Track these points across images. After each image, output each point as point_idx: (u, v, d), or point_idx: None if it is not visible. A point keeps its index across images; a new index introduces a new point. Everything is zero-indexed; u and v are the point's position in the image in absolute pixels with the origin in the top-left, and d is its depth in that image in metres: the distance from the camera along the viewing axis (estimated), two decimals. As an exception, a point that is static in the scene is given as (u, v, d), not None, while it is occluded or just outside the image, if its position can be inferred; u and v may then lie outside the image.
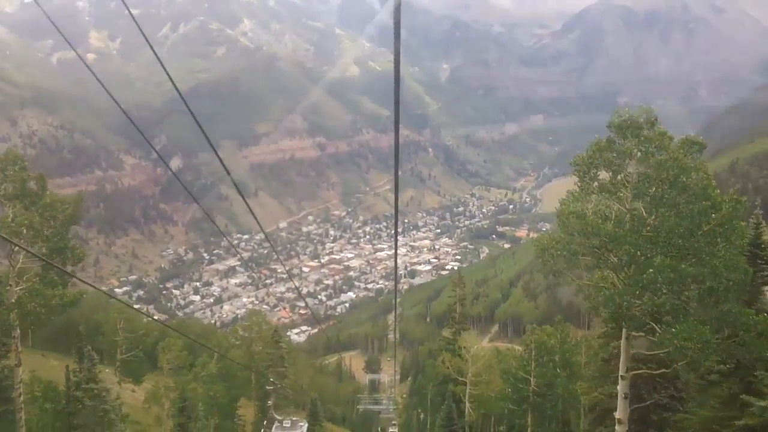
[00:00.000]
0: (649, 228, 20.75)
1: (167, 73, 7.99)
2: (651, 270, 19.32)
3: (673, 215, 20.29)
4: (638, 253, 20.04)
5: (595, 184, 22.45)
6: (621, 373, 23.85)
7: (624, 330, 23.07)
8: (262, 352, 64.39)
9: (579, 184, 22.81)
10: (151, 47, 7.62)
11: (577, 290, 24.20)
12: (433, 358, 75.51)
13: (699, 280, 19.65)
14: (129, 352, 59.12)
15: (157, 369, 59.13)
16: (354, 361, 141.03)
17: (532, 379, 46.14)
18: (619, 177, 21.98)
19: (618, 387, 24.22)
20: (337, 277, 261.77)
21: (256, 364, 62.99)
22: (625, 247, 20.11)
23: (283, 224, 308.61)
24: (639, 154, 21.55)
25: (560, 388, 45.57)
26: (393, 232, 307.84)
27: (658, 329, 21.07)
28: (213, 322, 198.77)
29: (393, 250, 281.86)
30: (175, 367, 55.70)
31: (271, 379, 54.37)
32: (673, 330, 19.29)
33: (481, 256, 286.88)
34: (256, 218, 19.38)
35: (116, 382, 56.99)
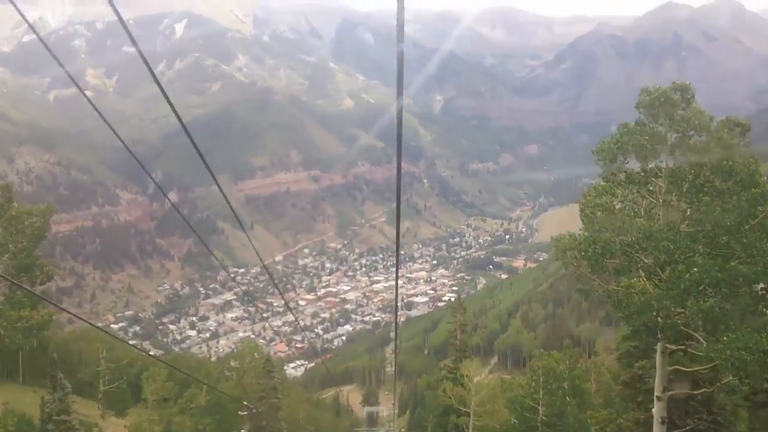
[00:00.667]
0: (688, 222, 18.41)
1: (170, 103, 7.96)
2: (695, 270, 16.94)
3: (718, 206, 17.73)
4: (677, 251, 17.64)
5: (622, 174, 19.95)
6: (657, 393, 21.16)
7: (659, 343, 20.44)
8: (254, 383, 61.34)
9: (603, 176, 20.39)
10: (156, 80, 7.55)
11: (603, 298, 20.81)
12: (433, 389, 72.99)
13: (752, 280, 17.20)
14: (112, 383, 55.81)
15: (141, 401, 56.43)
16: (351, 395, 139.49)
17: (540, 408, 44.18)
18: (651, 165, 19.42)
19: (653, 410, 21.47)
20: (333, 310, 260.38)
21: (248, 395, 59.37)
22: (663, 243, 17.67)
23: (278, 257, 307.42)
24: (674, 137, 18.91)
25: (571, 418, 43.60)
26: (389, 264, 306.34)
27: (701, 339, 18.60)
28: (209, 356, 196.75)
29: (390, 282, 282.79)
30: (159, 398, 53.36)
31: (246, 403, 49.46)
32: (725, 339, 16.63)
33: (478, 286, 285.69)
34: (255, 249, 19.54)
35: (99, 415, 54.37)
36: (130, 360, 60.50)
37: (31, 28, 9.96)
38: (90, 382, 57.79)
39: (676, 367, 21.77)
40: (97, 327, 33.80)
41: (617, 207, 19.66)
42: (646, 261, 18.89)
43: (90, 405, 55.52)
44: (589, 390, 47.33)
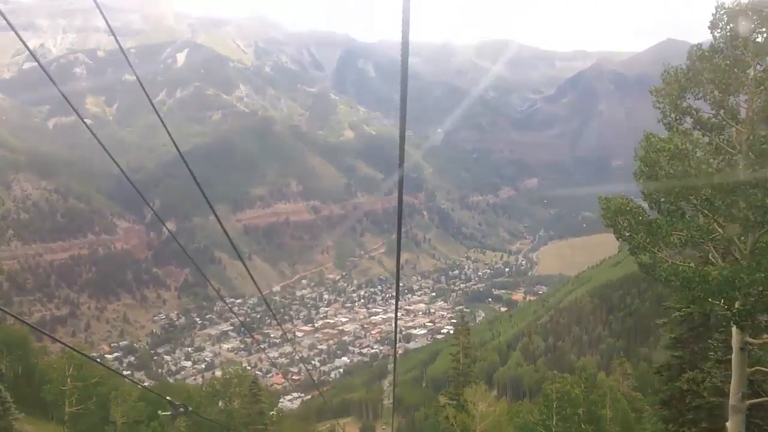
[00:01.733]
0: None
1: (169, 133, 8.65)
2: None
3: None
4: None
5: (688, 119, 15.63)
6: (733, 402, 16.60)
7: (737, 337, 15.91)
8: (241, 409, 57.75)
9: (664, 121, 16.14)
10: (155, 109, 8.07)
11: (667, 274, 15.66)
12: (433, 418, 69.60)
13: None
14: (79, 404, 50.95)
15: (109, 424, 51.05)
16: (348, 428, 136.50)
17: None
18: (730, 100, 14.83)
19: (728, 425, 16.81)
20: (331, 342, 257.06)
21: (234, 421, 55.92)
22: (752, 196, 13.49)
23: (276, 288, 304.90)
24: (758, 70, 14.37)
25: None
26: (388, 295, 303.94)
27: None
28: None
29: (389, 314, 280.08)
30: (130, 421, 48.75)
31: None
32: None
33: (477, 319, 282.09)
34: (254, 280, 17.85)
35: None
36: (101, 379, 55.18)
37: (32, 55, 10.77)
38: (55, 402, 53.15)
39: (758, 368, 17.55)
40: (86, 356, 32.22)
41: (697, 155, 15.07)
42: (729, 227, 14.73)
43: (55, 429, 52.78)
44: (605, 417, 44.16)
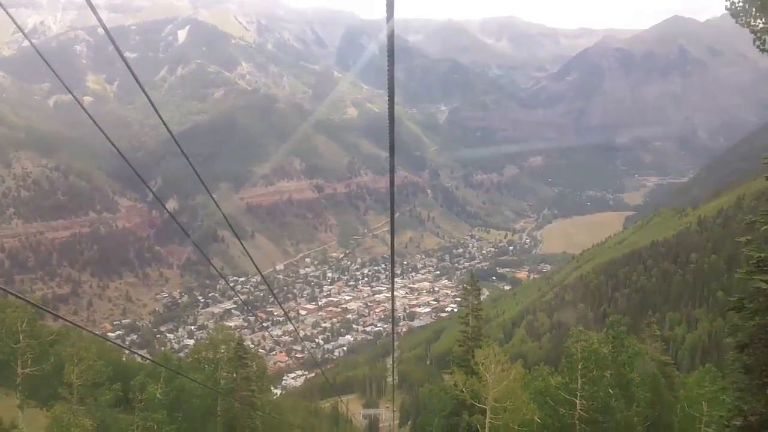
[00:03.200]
0: None
1: (160, 117, 8.56)
2: None
3: None
4: None
5: None
6: None
7: None
8: (226, 373, 51.93)
9: None
10: (146, 94, 8.16)
11: None
12: (437, 389, 65.96)
13: None
14: (34, 365, 44.04)
15: (63, 386, 41.82)
16: (351, 405, 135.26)
17: (578, 402, 36.57)
18: None
19: None
20: (334, 320, 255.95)
21: (219, 387, 50.17)
22: None
23: (280, 266, 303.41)
24: None
25: (618, 414, 36.42)
26: (391, 273, 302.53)
27: None
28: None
29: (391, 292, 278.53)
30: (88, 383, 41.28)
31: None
32: None
33: (482, 297, 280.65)
34: (253, 261, 16.67)
35: (17, 405, 45.12)
36: (58, 336, 49.02)
37: (27, 38, 10.49)
38: (5, 362, 44.99)
39: None
40: (92, 332, 30.49)
41: None
42: None
43: (5, 394, 47.85)
44: (635, 381, 39.76)
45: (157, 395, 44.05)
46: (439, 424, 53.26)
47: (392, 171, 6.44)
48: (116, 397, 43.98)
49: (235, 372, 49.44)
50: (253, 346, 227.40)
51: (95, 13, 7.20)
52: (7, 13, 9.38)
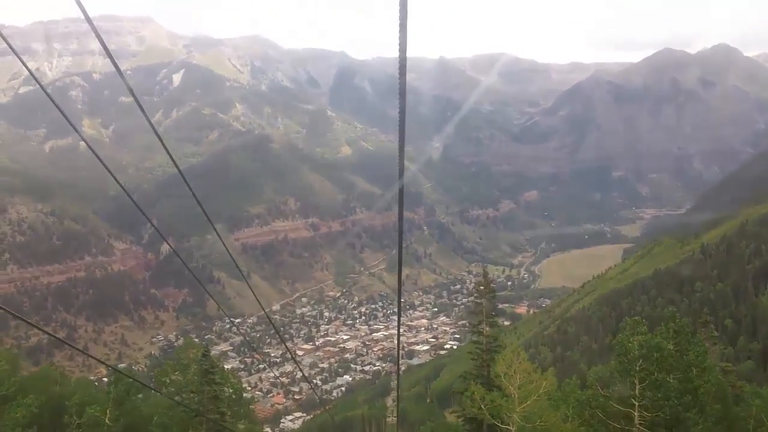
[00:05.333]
0: None
1: (167, 151, 9.14)
2: None
3: None
4: None
5: None
6: None
7: None
8: (192, 392, 43.72)
9: None
10: (154, 128, 8.75)
11: None
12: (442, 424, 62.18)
13: None
14: None
15: None
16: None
17: (636, 414, 28.95)
18: None
19: None
20: (332, 360, 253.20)
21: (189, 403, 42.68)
22: None
23: (276, 306, 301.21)
24: None
25: (693, 428, 28.99)
26: (389, 312, 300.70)
27: None
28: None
29: (391, 330, 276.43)
30: None
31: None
32: None
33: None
34: (256, 297, 16.17)
35: None
36: None
37: (33, 76, 11.22)
38: None
39: None
40: (116, 369, 29.21)
41: None
42: None
43: None
44: (705, 388, 31.76)
45: (106, 420, 37.92)
46: None
47: (401, 195, 6.39)
48: (37, 419, 37.77)
49: (201, 391, 41.30)
50: (250, 388, 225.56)
51: (113, 60, 7.90)
52: (18, 56, 9.70)
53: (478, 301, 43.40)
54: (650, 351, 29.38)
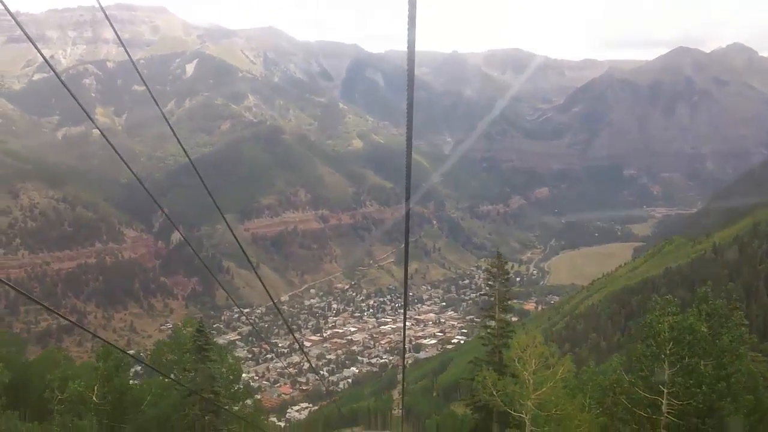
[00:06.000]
0: None
1: (179, 142, 9.82)
2: None
3: None
4: None
5: None
6: None
7: None
8: (186, 373, 39.88)
9: None
10: (166, 118, 9.68)
11: None
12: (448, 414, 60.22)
13: None
14: None
15: None
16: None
17: (664, 401, 26.79)
18: None
19: None
20: (339, 352, 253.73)
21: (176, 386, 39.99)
22: None
23: (284, 297, 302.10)
24: None
25: (728, 418, 26.47)
26: (397, 305, 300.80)
27: None
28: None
29: (398, 324, 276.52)
30: None
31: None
32: None
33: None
34: (265, 287, 16.66)
35: None
36: None
37: (48, 63, 11.45)
38: None
39: None
40: (125, 352, 29.08)
41: None
42: None
43: None
44: (738, 376, 28.56)
45: (93, 397, 36.69)
46: None
47: (408, 186, 6.63)
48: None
49: (195, 369, 38.36)
50: (257, 377, 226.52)
51: (127, 52, 7.56)
52: (33, 43, 9.93)
53: (491, 284, 41.55)
54: (682, 333, 27.03)
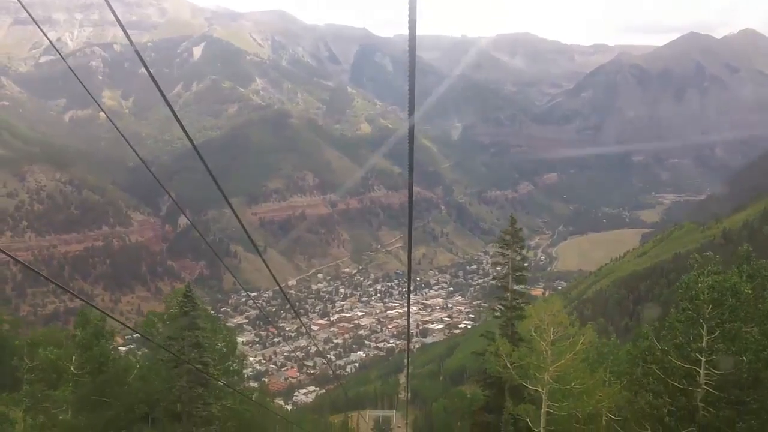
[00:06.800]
0: None
1: (183, 128, 9.14)
2: None
3: None
4: None
5: None
6: None
7: None
8: (172, 341, 35.51)
9: None
10: (169, 104, 8.70)
11: None
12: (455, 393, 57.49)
13: None
14: None
15: None
16: (362, 421, 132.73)
17: (701, 371, 23.83)
18: None
19: None
20: (346, 336, 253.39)
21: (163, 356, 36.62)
22: None
23: (292, 282, 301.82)
24: None
25: None
26: (405, 290, 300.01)
27: None
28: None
29: (406, 308, 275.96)
30: None
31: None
32: None
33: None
34: (271, 271, 18.34)
35: None
36: None
37: (54, 46, 12.27)
38: None
39: None
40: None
41: None
42: None
43: None
44: None
45: (71, 368, 33.81)
46: (467, 423, 40.55)
47: (411, 174, 6.37)
48: None
49: (182, 337, 34.67)
50: (264, 361, 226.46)
51: (126, 34, 7.71)
52: (39, 27, 9.84)
53: (505, 252, 37.90)
54: (724, 295, 23.61)
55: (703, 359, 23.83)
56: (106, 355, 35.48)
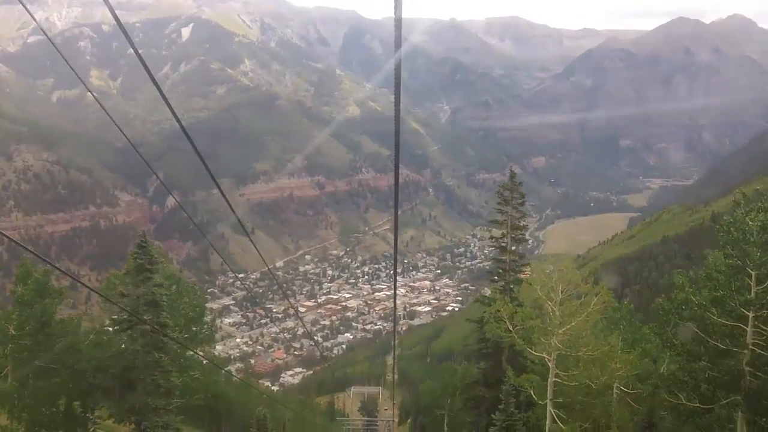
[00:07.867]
0: None
1: (171, 109, 8.82)
2: None
3: None
4: None
5: None
6: None
7: None
8: (124, 298, 31.80)
9: None
10: (157, 85, 8.28)
11: None
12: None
13: None
14: None
15: None
16: (348, 402, 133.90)
17: (749, 330, 20.31)
18: None
19: None
20: (334, 318, 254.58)
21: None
22: None
23: (279, 263, 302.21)
24: None
25: None
26: (392, 272, 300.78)
27: None
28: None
29: (392, 291, 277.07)
30: None
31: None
32: None
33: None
34: (260, 253, 15.95)
35: None
36: None
37: (41, 28, 12.26)
38: None
39: None
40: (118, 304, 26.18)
41: None
42: None
43: None
44: None
45: (10, 330, 30.49)
46: (459, 398, 37.08)
47: (397, 157, 6.26)
48: None
49: (136, 295, 30.61)
50: (251, 342, 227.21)
51: (114, 14, 7.47)
52: (24, 6, 9.88)
53: (503, 209, 35.04)
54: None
55: (750, 314, 20.21)
56: (49, 314, 31.75)
